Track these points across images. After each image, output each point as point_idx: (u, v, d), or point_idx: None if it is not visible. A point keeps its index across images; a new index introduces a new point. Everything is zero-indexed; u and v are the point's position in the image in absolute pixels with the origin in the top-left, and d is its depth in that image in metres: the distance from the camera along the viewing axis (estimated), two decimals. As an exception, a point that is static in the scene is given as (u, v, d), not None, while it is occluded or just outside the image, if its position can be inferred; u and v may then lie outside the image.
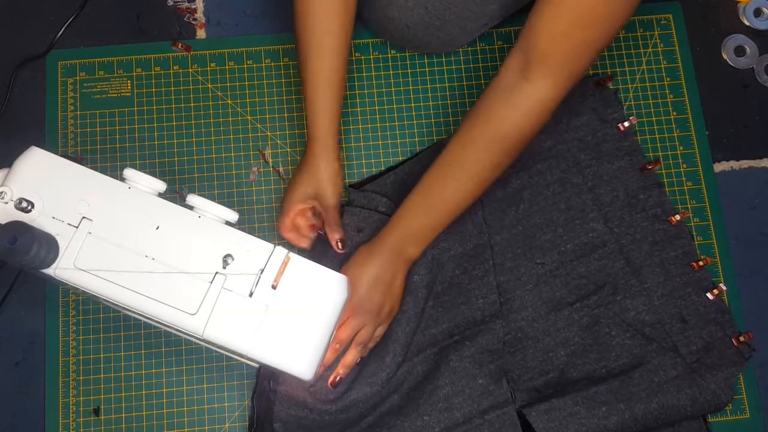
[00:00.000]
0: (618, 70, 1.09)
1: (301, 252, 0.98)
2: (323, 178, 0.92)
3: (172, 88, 1.07)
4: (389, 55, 1.09)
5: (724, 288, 0.99)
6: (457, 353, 0.93)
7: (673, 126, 1.07)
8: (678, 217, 1.01)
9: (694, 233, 1.03)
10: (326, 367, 0.91)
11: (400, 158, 1.05)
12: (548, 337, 0.96)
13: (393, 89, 1.08)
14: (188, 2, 1.10)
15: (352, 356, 0.90)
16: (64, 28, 1.07)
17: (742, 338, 0.97)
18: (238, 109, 1.06)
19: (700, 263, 1.00)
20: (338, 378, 0.91)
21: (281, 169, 1.04)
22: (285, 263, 0.75)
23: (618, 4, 0.77)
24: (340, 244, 0.93)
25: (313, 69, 0.90)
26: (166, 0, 1.10)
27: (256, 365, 0.92)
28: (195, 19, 1.10)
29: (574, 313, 0.97)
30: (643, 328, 0.96)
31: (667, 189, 1.05)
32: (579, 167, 1.01)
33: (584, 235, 0.99)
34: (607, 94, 1.05)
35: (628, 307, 0.97)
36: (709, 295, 0.99)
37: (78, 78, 1.06)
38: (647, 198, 1.02)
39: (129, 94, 1.06)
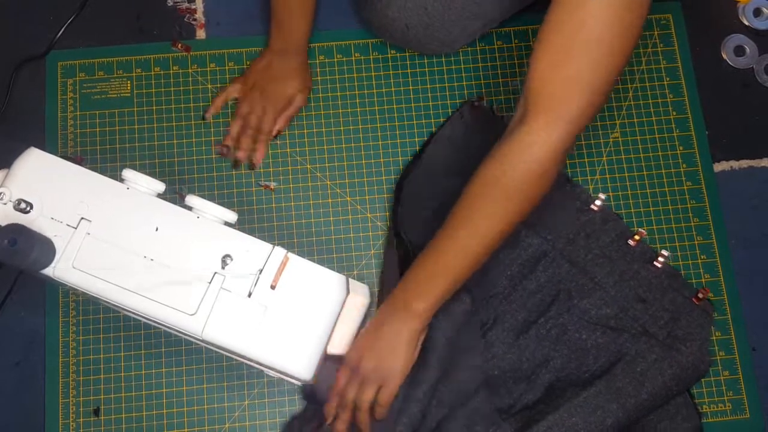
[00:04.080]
0: (618, 69, 1.09)
1: (301, 252, 0.99)
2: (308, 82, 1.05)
3: (172, 89, 1.07)
4: (389, 55, 1.09)
5: (666, 253, 0.99)
6: (445, 420, 0.92)
7: (673, 126, 1.07)
8: (598, 202, 1.01)
9: (695, 232, 1.03)
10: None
11: (400, 158, 1.05)
12: (525, 363, 0.95)
13: (393, 89, 1.08)
14: (188, 2, 1.10)
15: (362, 418, 0.86)
16: (63, 28, 1.07)
17: (700, 295, 0.98)
18: (238, 110, 1.06)
19: (636, 238, 1.00)
20: None
21: (273, 186, 1.04)
22: (284, 263, 0.75)
23: (603, 33, 0.72)
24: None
25: None
26: (166, 0, 1.10)
27: (255, 368, 0.93)
28: (195, 20, 1.10)
29: (541, 328, 0.96)
30: (608, 322, 0.96)
31: (666, 189, 1.05)
32: None
33: (524, 252, 0.99)
34: (484, 111, 1.06)
35: (587, 307, 0.97)
36: (656, 263, 0.99)
37: (78, 78, 1.07)
38: (563, 195, 1.02)
39: (129, 94, 1.06)
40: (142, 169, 0.91)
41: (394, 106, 1.07)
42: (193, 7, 1.10)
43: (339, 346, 0.83)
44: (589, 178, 1.05)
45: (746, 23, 1.11)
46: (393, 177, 1.05)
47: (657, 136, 1.07)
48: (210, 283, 0.73)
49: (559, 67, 0.74)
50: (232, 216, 0.77)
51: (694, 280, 1.01)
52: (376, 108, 1.07)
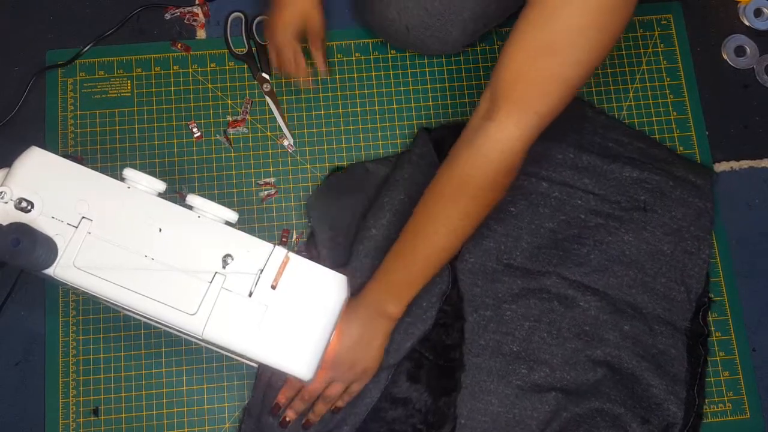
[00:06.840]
0: (618, 70, 1.09)
1: (300, 252, 0.99)
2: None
3: (172, 88, 1.07)
4: (389, 55, 1.09)
5: None
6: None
7: (673, 126, 1.07)
8: None
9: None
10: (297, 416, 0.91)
11: (400, 158, 1.05)
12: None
13: (393, 89, 1.08)
14: (188, 7, 1.10)
15: (320, 408, 0.89)
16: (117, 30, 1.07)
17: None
18: (238, 109, 1.06)
19: None
20: (306, 421, 0.90)
21: (273, 184, 1.04)
22: (284, 263, 0.75)
23: (587, 32, 0.72)
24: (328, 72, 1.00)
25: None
26: (164, 15, 1.10)
27: (255, 368, 0.93)
28: (195, 20, 1.10)
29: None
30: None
31: (667, 189, 1.05)
32: None
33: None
34: None
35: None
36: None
37: (78, 78, 1.06)
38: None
39: (129, 94, 1.06)
40: (142, 168, 0.90)
41: (394, 106, 1.07)
42: (195, 11, 1.10)
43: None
44: (589, 178, 1.05)
45: (747, 23, 1.12)
46: (393, 177, 1.05)
47: (657, 136, 1.07)
48: (211, 282, 0.73)
49: (540, 62, 0.73)
50: (232, 215, 0.77)
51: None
52: (376, 108, 1.07)
